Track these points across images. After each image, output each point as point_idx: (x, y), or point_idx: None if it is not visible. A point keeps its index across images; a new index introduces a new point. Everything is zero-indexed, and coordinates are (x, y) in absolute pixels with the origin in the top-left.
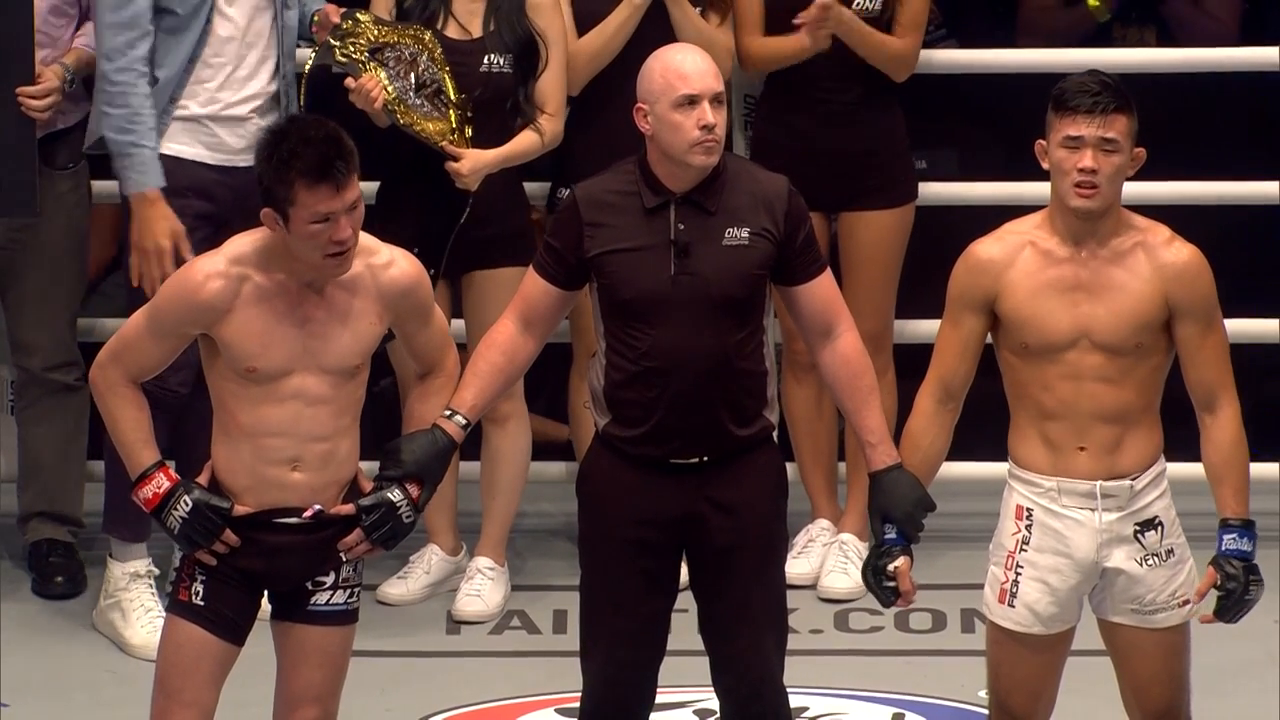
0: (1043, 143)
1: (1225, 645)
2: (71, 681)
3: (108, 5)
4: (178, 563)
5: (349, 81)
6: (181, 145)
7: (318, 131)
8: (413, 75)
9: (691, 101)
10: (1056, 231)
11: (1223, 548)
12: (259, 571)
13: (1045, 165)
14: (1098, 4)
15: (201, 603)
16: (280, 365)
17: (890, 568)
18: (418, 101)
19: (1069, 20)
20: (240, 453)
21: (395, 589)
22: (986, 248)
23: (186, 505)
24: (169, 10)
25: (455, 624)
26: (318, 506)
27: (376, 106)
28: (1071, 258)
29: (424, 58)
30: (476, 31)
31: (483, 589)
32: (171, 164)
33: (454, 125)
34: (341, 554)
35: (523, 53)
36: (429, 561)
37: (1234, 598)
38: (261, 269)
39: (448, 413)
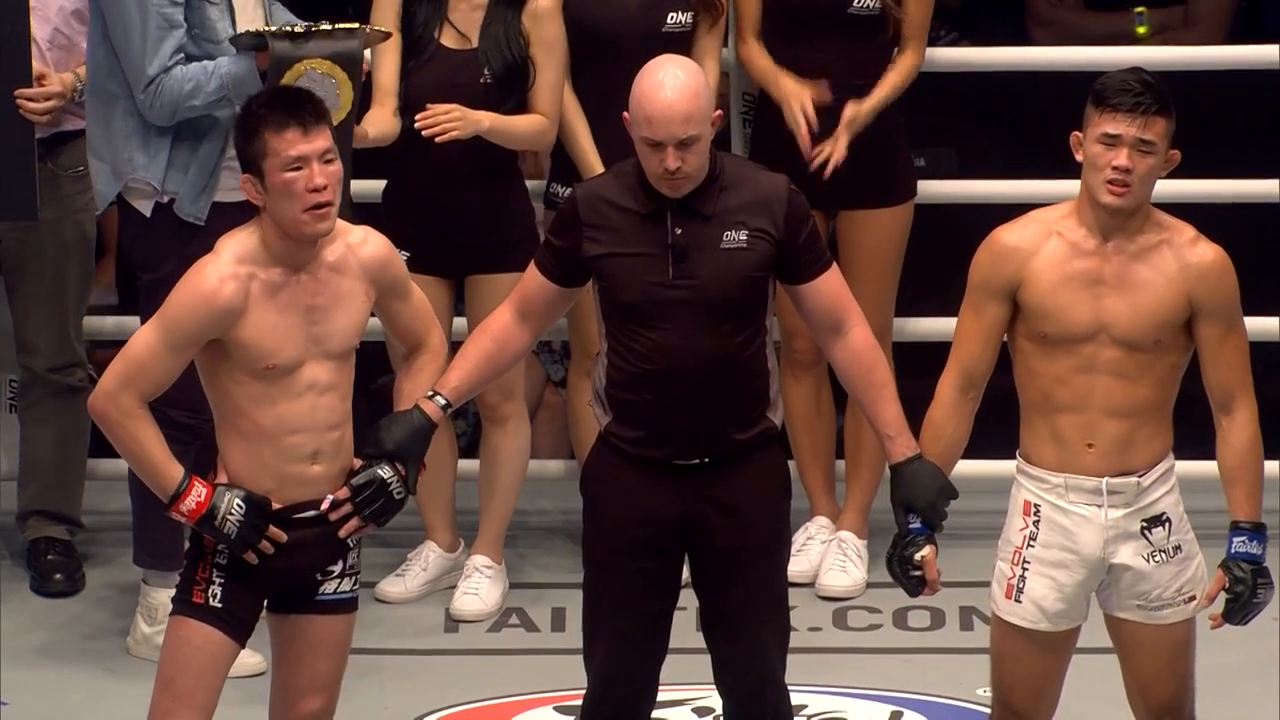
0: (1079, 135)
1: (1226, 644)
2: (71, 680)
3: (131, 34)
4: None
5: None
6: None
7: (284, 90)
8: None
9: (654, 145)
10: (1084, 223)
11: (1232, 550)
12: (281, 569)
13: (1079, 157)
14: (1145, 29)
15: (219, 605)
16: (294, 358)
17: (917, 557)
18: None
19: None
20: (262, 455)
21: (394, 587)
22: (1012, 234)
23: (240, 507)
24: (207, 56)
25: (453, 622)
26: (331, 497)
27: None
28: (1097, 251)
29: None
30: (475, 41)
31: (481, 587)
32: (219, 211)
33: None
34: (345, 538)
35: (508, 76)
36: (426, 559)
37: (1242, 601)
38: (262, 264)
39: (430, 393)
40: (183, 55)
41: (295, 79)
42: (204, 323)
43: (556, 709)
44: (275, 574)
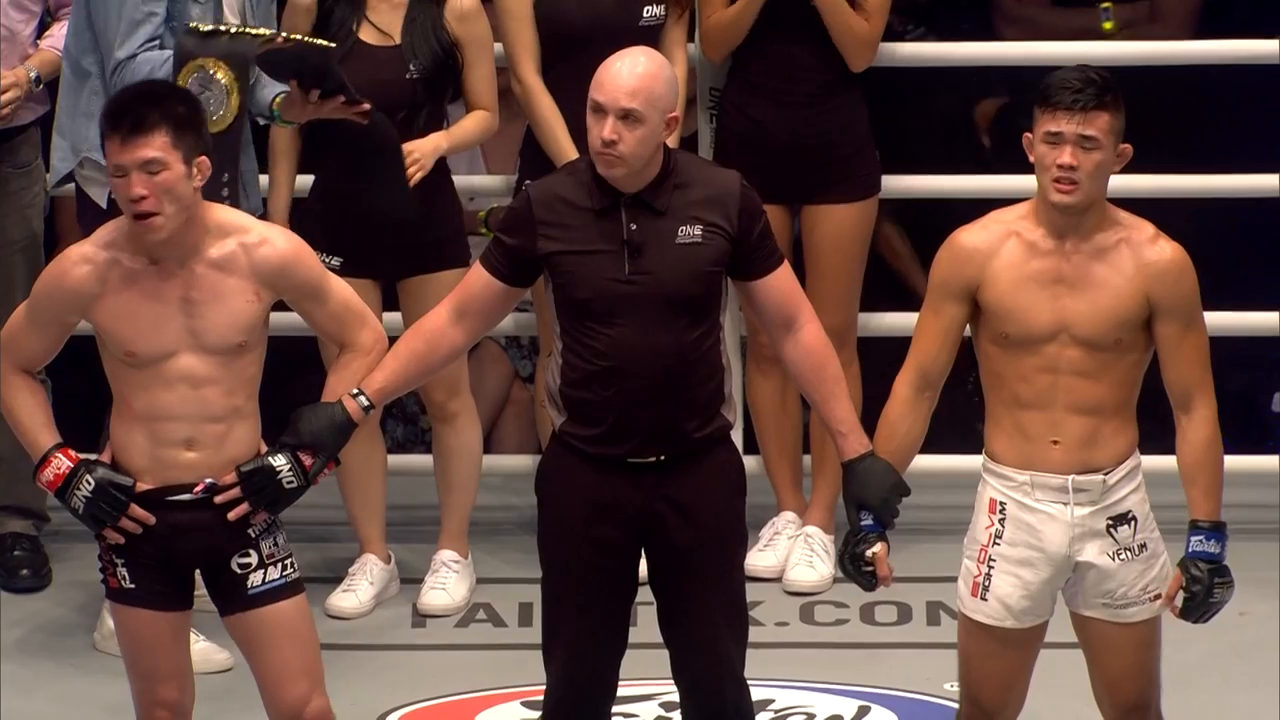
0: (1029, 135)
1: (1190, 638)
2: (37, 676)
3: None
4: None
5: None
6: None
7: (141, 86)
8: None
9: (598, 109)
10: (1041, 224)
11: (1190, 549)
12: (162, 553)
13: (1031, 158)
14: (1111, 25)
15: (132, 585)
16: (159, 348)
17: (869, 554)
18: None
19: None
20: (135, 434)
21: (346, 602)
22: (971, 236)
23: (89, 485)
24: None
25: (420, 617)
26: (209, 480)
27: None
28: (1055, 250)
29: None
30: (397, 38)
31: (448, 582)
32: None
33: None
34: (233, 520)
35: (437, 70)
36: (370, 571)
37: (1198, 600)
38: (129, 252)
39: (355, 391)
40: (157, 43)
41: (189, 76)
42: (57, 304)
43: (523, 704)
44: (171, 556)
